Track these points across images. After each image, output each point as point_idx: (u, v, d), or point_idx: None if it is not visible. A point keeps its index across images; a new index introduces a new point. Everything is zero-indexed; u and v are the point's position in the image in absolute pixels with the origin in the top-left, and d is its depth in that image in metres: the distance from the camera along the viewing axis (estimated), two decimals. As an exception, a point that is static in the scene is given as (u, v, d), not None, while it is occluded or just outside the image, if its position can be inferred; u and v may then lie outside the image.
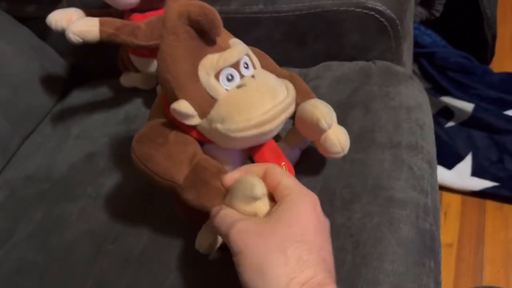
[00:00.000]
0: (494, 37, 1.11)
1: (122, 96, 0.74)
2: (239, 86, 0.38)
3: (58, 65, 0.80)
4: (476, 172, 0.98)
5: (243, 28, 0.65)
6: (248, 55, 0.40)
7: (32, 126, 0.74)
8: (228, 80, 0.38)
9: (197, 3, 0.37)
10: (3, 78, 0.71)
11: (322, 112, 0.43)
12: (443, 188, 0.99)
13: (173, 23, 0.37)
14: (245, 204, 0.36)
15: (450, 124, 1.07)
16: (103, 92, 0.77)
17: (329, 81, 0.64)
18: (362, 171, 0.50)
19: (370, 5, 0.61)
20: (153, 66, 0.64)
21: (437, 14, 1.07)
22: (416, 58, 1.12)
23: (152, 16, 0.60)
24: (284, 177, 0.36)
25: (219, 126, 0.37)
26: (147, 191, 0.55)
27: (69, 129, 0.71)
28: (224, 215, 0.36)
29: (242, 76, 0.38)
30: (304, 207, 0.34)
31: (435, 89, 1.11)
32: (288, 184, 0.35)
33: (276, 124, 0.38)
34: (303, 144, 0.50)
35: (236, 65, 0.38)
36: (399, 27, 0.63)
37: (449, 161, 1.00)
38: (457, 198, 0.99)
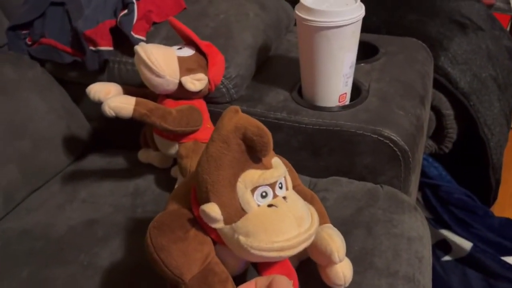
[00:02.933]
0: (498, 183, 1.14)
1: (135, 169, 0.76)
2: (270, 205, 0.39)
3: (83, 128, 0.84)
4: (469, 314, 0.95)
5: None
6: (284, 177, 0.41)
7: (42, 181, 0.75)
8: (262, 196, 0.39)
9: (255, 122, 0.38)
10: (29, 131, 0.73)
11: (337, 245, 0.44)
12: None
13: (228, 133, 0.38)
14: None
15: (447, 258, 1.06)
16: (118, 161, 0.80)
17: (336, 196, 0.65)
18: (357, 294, 0.50)
19: (385, 134, 0.65)
20: (174, 149, 0.66)
21: (446, 150, 1.11)
22: (421, 187, 1.14)
23: (184, 104, 0.64)
24: None
25: (242, 238, 0.38)
26: (138, 269, 0.55)
27: (77, 192, 0.72)
28: None
29: (275, 195, 0.40)
30: None
31: (436, 221, 1.12)
32: None
33: (296, 252, 0.38)
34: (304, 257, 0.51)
35: (272, 184, 0.39)
36: (410, 159, 0.66)
37: (443, 297, 0.98)
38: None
